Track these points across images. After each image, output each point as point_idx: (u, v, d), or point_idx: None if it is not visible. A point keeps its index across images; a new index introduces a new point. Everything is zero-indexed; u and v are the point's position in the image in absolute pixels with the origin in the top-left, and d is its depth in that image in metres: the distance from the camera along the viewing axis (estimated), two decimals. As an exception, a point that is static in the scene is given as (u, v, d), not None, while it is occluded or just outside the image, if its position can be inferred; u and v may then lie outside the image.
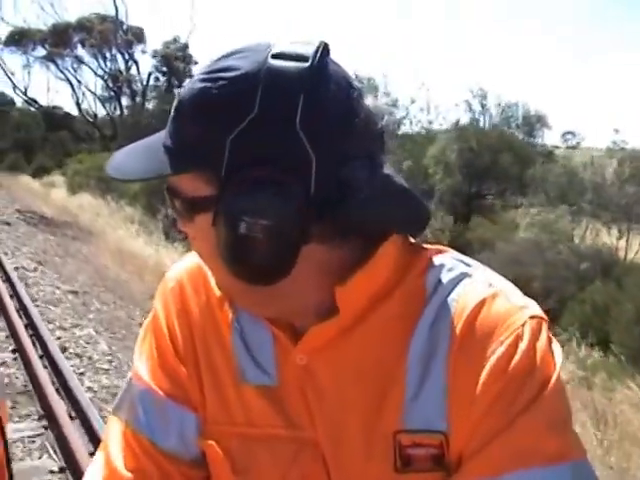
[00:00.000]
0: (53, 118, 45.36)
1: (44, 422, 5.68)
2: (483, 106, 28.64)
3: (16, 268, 11.09)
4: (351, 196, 0.89)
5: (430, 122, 28.66)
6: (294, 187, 0.86)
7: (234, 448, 1.03)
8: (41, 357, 7.05)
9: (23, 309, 8.50)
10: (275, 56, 0.89)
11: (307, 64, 0.88)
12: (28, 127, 42.78)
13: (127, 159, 0.97)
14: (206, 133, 0.89)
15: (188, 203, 0.93)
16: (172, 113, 0.94)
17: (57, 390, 6.20)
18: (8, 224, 16.61)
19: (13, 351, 7.24)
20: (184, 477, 1.07)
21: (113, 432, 1.09)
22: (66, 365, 6.60)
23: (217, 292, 1.06)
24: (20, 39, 42.54)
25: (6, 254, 12.36)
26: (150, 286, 10.64)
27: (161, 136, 0.96)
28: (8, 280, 9.73)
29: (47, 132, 43.12)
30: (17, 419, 5.75)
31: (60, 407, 5.67)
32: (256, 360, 1.03)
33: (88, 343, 7.59)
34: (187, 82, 0.94)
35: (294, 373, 1.01)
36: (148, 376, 1.08)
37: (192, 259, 1.11)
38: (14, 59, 65.42)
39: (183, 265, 1.13)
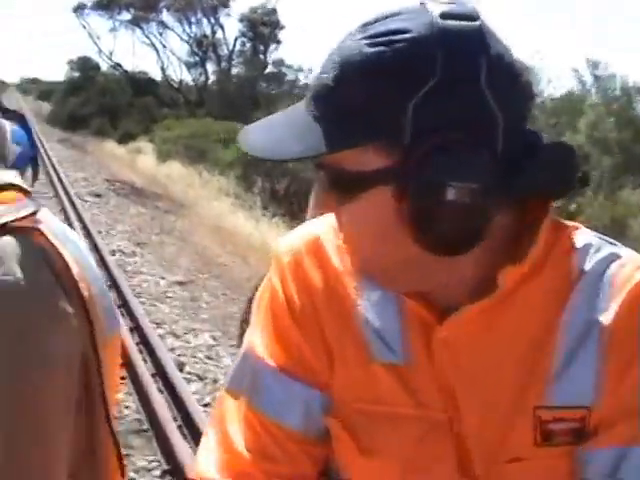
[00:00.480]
0: (138, 83, 44.56)
1: None
2: (595, 77, 26.37)
3: (113, 252, 9.81)
4: (532, 158, 0.88)
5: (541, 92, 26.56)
6: (484, 149, 0.85)
7: (360, 427, 1.01)
8: (153, 375, 5.69)
9: (126, 308, 7.18)
10: (444, 16, 0.86)
11: (478, 22, 0.87)
12: (113, 92, 41.81)
13: (269, 137, 0.92)
14: (382, 101, 0.85)
15: (356, 179, 0.88)
16: (326, 83, 0.89)
17: (179, 427, 4.84)
18: (99, 196, 15.49)
19: (121, 377, 5.87)
20: (307, 456, 1.04)
21: (229, 410, 1.05)
22: (187, 392, 5.22)
23: (339, 267, 1.03)
24: (107, 3, 41.75)
25: (100, 233, 11.11)
26: (257, 271, 9.29)
27: (301, 110, 0.91)
28: (106, 268, 8.36)
29: (132, 97, 42.24)
30: (133, 471, 4.37)
31: (186, 453, 4.29)
32: (383, 337, 1.00)
33: (209, 358, 6.20)
34: (338, 51, 0.89)
35: (429, 350, 0.98)
36: (269, 353, 1.03)
37: (306, 231, 1.08)
38: (100, 23, 64.95)
39: (297, 238, 1.08)
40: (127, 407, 5.28)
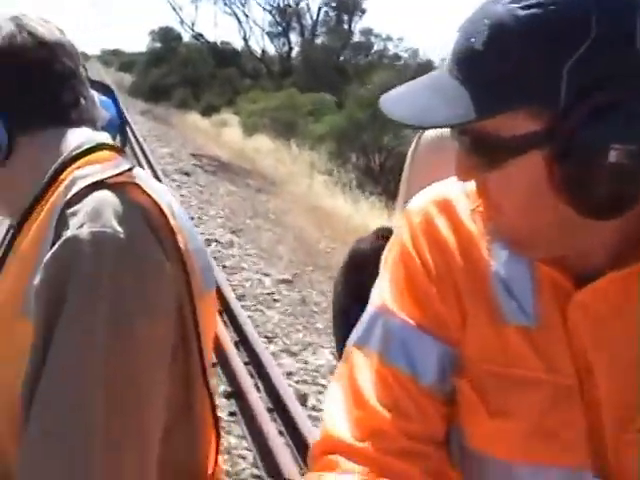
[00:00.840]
0: (220, 54, 43.71)
1: None
2: None
3: (208, 241, 8.74)
4: None
5: None
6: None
7: (490, 389, 1.00)
8: (270, 411, 4.59)
9: (229, 313, 6.10)
10: None
11: None
12: (195, 63, 40.94)
13: (413, 104, 0.91)
14: (535, 64, 0.84)
15: (505, 144, 0.87)
16: (475, 48, 0.87)
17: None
18: (187, 174, 14.49)
19: (231, 413, 4.73)
20: (439, 415, 1.01)
21: (359, 366, 1.02)
22: (314, 435, 4.06)
23: (472, 229, 1.02)
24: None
25: (192, 219, 10.08)
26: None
27: (443, 75, 0.91)
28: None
29: (214, 68, 41.40)
30: None
31: None
32: (516, 299, 0.99)
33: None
34: (485, 15, 0.88)
35: (563, 315, 0.97)
36: (402, 308, 1.03)
37: (436, 193, 1.07)
38: (181, -7, 64.32)
39: (427, 199, 1.07)
40: (242, 457, 4.18)
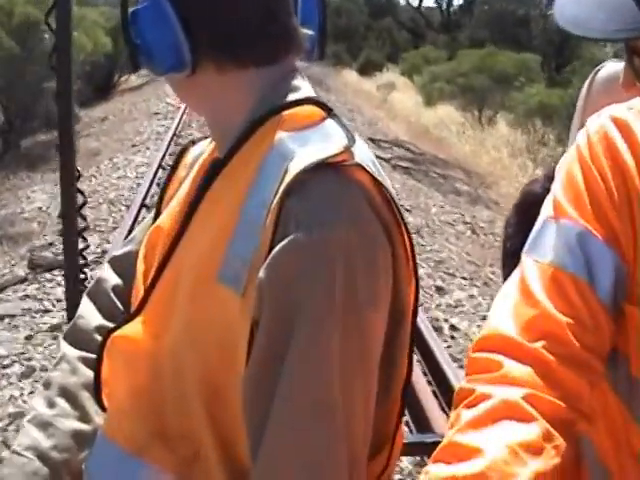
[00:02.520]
0: (374, 3, 38.67)
1: None
2: None
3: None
4: None
5: None
6: None
7: None
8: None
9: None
10: None
11: None
12: (350, 13, 36.20)
13: (578, 8, 0.91)
14: None
15: None
16: None
17: None
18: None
19: None
20: (608, 329, 0.96)
21: (532, 270, 0.98)
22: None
23: None
24: None
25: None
26: None
27: None
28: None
29: (368, 19, 36.45)
30: None
31: None
32: None
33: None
34: None
35: None
36: (581, 216, 0.98)
37: (614, 114, 1.03)
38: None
39: (606, 119, 1.03)
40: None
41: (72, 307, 2.29)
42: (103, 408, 1.08)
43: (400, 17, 37.79)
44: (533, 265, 0.98)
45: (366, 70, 26.71)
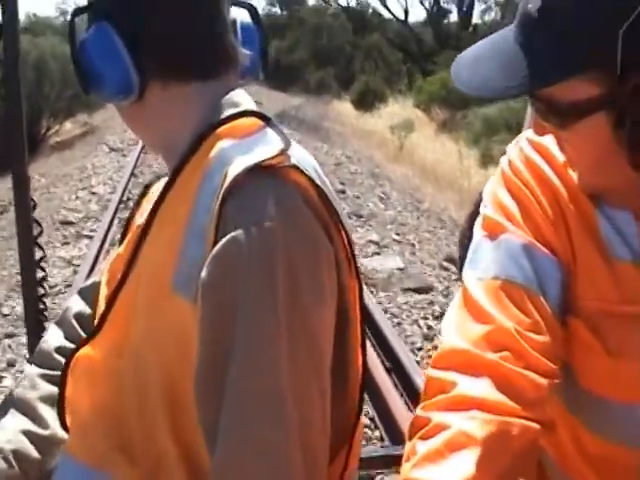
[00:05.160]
0: (357, 18, 33.54)
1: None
2: None
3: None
4: None
5: None
6: None
7: (606, 328, 0.97)
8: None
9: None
10: None
11: None
12: (331, 31, 30.96)
13: (476, 70, 0.91)
14: (591, 30, 0.84)
15: (570, 109, 0.89)
16: (532, 14, 0.87)
17: None
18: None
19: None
20: (559, 339, 0.96)
21: (476, 291, 0.97)
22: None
23: (573, 176, 1.01)
24: None
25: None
26: None
27: (508, 39, 0.90)
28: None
29: (354, 36, 31.23)
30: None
31: None
32: (623, 237, 0.97)
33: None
34: None
35: None
36: (519, 233, 1.00)
37: (534, 141, 1.05)
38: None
39: (527, 146, 1.06)
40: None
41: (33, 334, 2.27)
42: (66, 428, 1.10)
43: (390, 33, 32.70)
44: (476, 282, 0.97)
45: (365, 101, 21.35)
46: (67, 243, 7.48)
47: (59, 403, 1.09)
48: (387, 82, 24.18)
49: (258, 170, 0.96)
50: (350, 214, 8.52)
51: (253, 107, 1.06)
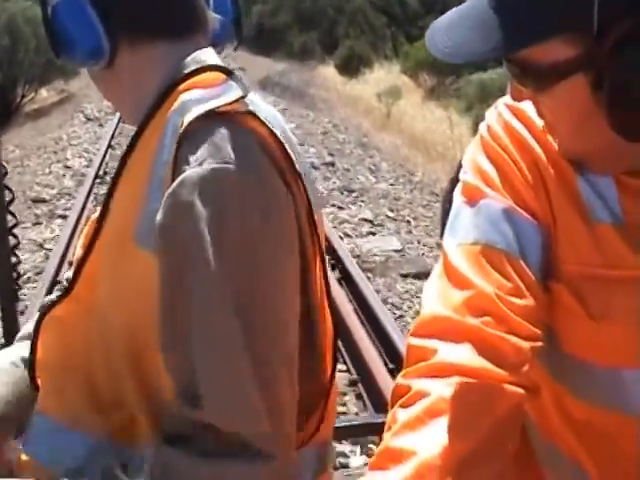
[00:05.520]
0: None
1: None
2: None
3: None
4: None
5: None
6: None
7: (588, 291, 0.96)
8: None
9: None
10: None
11: None
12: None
13: (450, 36, 0.89)
14: None
15: (548, 71, 0.87)
16: None
17: None
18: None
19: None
20: (542, 302, 0.95)
21: (455, 257, 0.95)
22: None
23: (552, 142, 0.99)
24: None
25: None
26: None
27: (482, 4, 0.88)
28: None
29: (339, 0, 30.48)
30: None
31: None
32: (603, 200, 0.96)
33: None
34: None
35: None
36: (501, 198, 0.98)
37: (513, 106, 1.02)
38: None
39: (506, 112, 1.03)
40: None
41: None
42: (37, 388, 1.11)
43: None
44: (456, 248, 0.96)
45: (349, 67, 20.75)
46: (39, 223, 6.99)
47: (30, 365, 1.10)
48: (372, 47, 23.57)
49: (213, 116, 0.97)
50: (341, 189, 8.10)
51: (218, 63, 1.06)
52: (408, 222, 7.22)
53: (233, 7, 1.15)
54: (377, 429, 2.70)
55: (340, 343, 3.71)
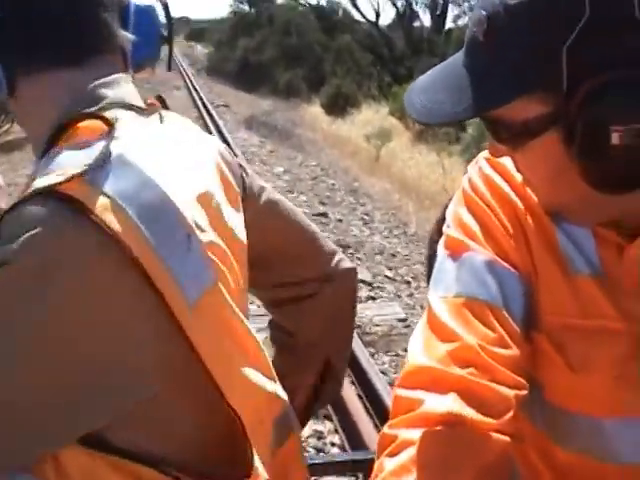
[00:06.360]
0: (328, 17, 32.55)
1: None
2: None
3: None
4: None
5: None
6: None
7: (568, 341, 0.97)
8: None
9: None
10: None
11: None
12: (300, 29, 29.80)
13: (427, 97, 0.90)
14: (533, 50, 0.84)
15: (521, 129, 0.89)
16: (477, 38, 0.87)
17: None
18: None
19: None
20: (525, 354, 0.96)
21: (440, 310, 0.96)
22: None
23: (529, 192, 1.01)
24: None
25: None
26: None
27: (457, 64, 0.90)
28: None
29: (325, 37, 30.20)
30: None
31: None
32: (582, 251, 0.98)
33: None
34: (483, 4, 0.86)
35: (626, 267, 0.96)
36: (484, 250, 0.99)
37: (493, 162, 1.05)
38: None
39: (487, 167, 1.05)
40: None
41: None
42: None
43: (357, 34, 31.68)
44: (440, 301, 0.97)
45: (336, 106, 20.32)
46: None
47: None
48: (358, 85, 23.23)
49: (48, 194, 0.90)
50: (336, 243, 7.54)
51: (122, 97, 1.01)
52: (408, 283, 6.67)
53: (154, 27, 1.12)
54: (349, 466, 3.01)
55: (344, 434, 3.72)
